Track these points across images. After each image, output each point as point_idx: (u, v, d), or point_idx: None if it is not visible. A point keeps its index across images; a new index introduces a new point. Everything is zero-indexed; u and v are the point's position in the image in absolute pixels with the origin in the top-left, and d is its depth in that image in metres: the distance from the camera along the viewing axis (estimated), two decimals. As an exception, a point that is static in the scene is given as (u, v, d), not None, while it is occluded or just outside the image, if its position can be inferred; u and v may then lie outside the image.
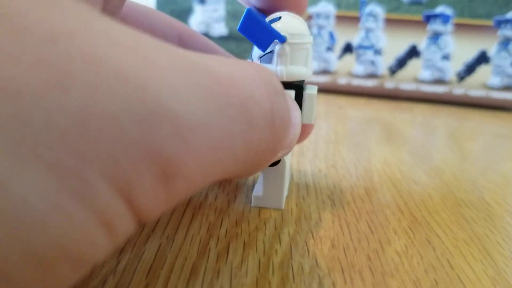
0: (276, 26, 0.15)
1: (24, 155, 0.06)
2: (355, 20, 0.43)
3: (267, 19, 0.16)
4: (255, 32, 0.15)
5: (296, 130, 0.13)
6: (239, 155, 0.10)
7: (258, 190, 0.18)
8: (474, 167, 0.25)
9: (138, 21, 0.18)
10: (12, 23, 0.06)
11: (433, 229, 0.17)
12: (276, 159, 0.13)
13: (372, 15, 0.42)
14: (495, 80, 0.42)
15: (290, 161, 0.18)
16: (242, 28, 0.15)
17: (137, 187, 0.07)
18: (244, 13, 0.14)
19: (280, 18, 0.15)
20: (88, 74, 0.07)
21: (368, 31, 0.43)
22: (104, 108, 0.07)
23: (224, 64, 0.10)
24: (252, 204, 0.17)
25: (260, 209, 0.17)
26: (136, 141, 0.07)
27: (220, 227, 0.16)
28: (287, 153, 0.14)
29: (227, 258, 0.14)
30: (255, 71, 0.11)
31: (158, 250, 0.14)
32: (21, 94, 0.06)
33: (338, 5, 0.43)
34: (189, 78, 0.08)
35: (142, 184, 0.07)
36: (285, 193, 0.18)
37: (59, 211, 0.06)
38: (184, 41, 0.19)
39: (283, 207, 0.17)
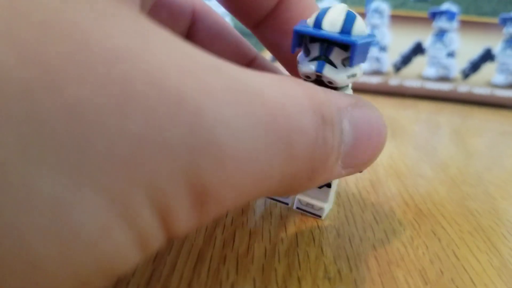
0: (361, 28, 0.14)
1: (82, 178, 0.06)
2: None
3: (332, 17, 0.13)
4: (365, 53, 0.13)
5: (357, 153, 0.12)
6: (273, 184, 0.09)
7: (321, 200, 0.16)
8: (479, 163, 0.25)
9: None
10: (75, 40, 0.06)
11: (439, 221, 0.17)
12: (314, 185, 0.12)
13: (378, 11, 0.42)
14: (500, 78, 0.42)
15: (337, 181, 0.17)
16: (358, 60, 0.13)
17: (174, 210, 0.07)
18: (355, 48, 0.13)
19: (354, 14, 0.14)
20: (148, 99, 0.07)
21: (373, 27, 0.43)
22: (160, 135, 0.07)
23: (275, 87, 0.10)
24: (322, 217, 0.16)
25: (265, 199, 0.17)
26: (182, 168, 0.07)
27: (226, 215, 0.16)
28: (352, 173, 0.13)
29: (233, 245, 0.14)
30: (305, 96, 0.10)
31: (164, 236, 0.14)
32: (84, 117, 0.06)
33: (344, 2, 0.43)
34: (240, 105, 0.08)
35: (179, 208, 0.08)
36: (330, 206, 0.17)
37: (106, 233, 0.07)
38: (198, 17, 0.18)
39: (323, 217, 0.17)
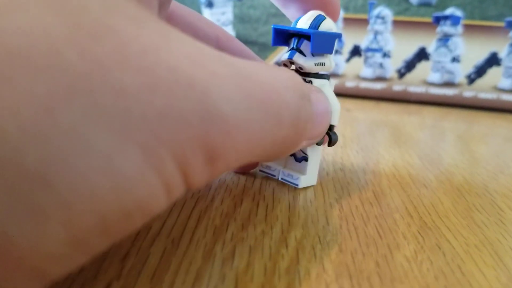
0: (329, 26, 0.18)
1: (126, 137, 0.08)
2: (363, 22, 0.43)
3: (305, 19, 0.18)
4: (324, 43, 0.18)
5: (316, 126, 0.16)
6: (267, 146, 0.12)
7: (300, 172, 0.20)
8: (486, 171, 0.24)
9: (184, 21, 0.20)
10: (115, 38, 0.09)
11: (443, 234, 0.16)
12: (297, 149, 0.16)
13: (381, 17, 0.42)
14: (506, 82, 0.41)
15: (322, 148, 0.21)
16: (316, 48, 0.17)
17: (191, 165, 0.10)
18: (311, 36, 0.17)
19: (324, 17, 0.18)
20: (169, 82, 0.09)
21: (376, 33, 0.43)
22: (178, 108, 0.09)
23: (265, 71, 0.12)
24: (299, 186, 0.20)
25: (266, 212, 0.17)
26: (196, 133, 0.09)
27: (226, 231, 0.16)
28: (311, 144, 0.18)
29: (232, 263, 0.14)
30: (288, 77, 0.13)
31: (163, 254, 0.14)
32: (127, 93, 0.08)
33: (346, 8, 0.43)
34: (238, 84, 0.11)
35: (195, 163, 0.10)
36: (312, 181, 0.21)
37: (143, 178, 0.09)
38: (222, 44, 0.21)
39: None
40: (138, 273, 0.13)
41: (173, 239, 0.15)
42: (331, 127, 0.19)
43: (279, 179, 0.20)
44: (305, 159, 0.19)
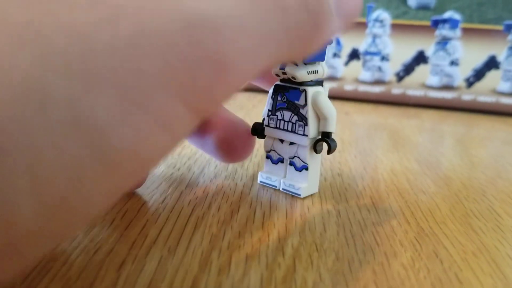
0: None
1: (91, 78, 0.07)
2: (362, 26, 0.43)
3: None
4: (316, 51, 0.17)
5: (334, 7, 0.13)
6: (282, 40, 0.11)
7: (302, 182, 0.20)
8: (484, 176, 0.24)
9: None
10: (111, 5, 0.08)
11: (441, 241, 0.16)
12: (323, 37, 0.13)
13: (379, 20, 0.42)
14: (505, 86, 0.41)
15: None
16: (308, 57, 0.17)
17: (191, 88, 0.09)
18: None
19: None
20: (134, 5, 0.08)
21: (375, 37, 0.43)
22: (151, 28, 0.08)
23: None
24: (302, 195, 0.19)
25: (264, 219, 0.17)
26: (185, 49, 0.08)
27: (223, 238, 0.16)
28: (350, 20, 0.14)
29: (229, 272, 0.14)
30: None
31: (159, 263, 0.14)
32: (80, 32, 0.08)
33: (345, 11, 0.43)
34: None
35: (195, 84, 0.09)
36: (314, 189, 0.20)
37: (122, 118, 0.08)
38: None
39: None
40: (134, 282, 0.13)
41: (170, 247, 0.15)
42: (328, 134, 0.19)
43: (281, 189, 0.20)
44: (305, 168, 0.19)
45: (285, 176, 0.20)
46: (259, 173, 0.21)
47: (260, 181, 0.21)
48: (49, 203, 0.08)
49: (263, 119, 0.20)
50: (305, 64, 0.18)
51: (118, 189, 0.09)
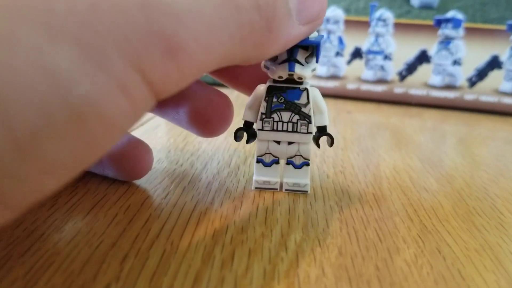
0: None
1: (54, 32, 0.08)
2: (365, 25, 0.43)
3: None
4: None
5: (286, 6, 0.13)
6: (234, 34, 0.11)
7: (303, 178, 0.20)
8: (486, 174, 0.24)
9: None
10: None
11: (444, 238, 0.16)
12: (279, 38, 0.13)
13: (382, 19, 0.42)
14: (507, 86, 0.41)
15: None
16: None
17: (146, 60, 0.09)
18: (318, 46, 0.16)
19: None
20: None
21: (377, 36, 0.43)
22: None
23: None
24: (309, 191, 0.20)
25: (266, 215, 0.17)
26: (141, 23, 0.09)
27: (226, 233, 0.16)
28: (313, 28, 0.15)
29: (231, 266, 0.14)
30: None
31: (162, 256, 0.14)
32: None
33: (348, 10, 0.43)
34: None
35: (150, 58, 0.09)
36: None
37: (84, 74, 0.08)
38: None
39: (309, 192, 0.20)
40: (137, 275, 0.13)
41: (173, 241, 0.15)
42: (324, 128, 0.19)
43: (284, 190, 0.19)
44: (306, 164, 0.19)
45: (282, 177, 0.20)
46: (254, 179, 0.20)
47: (257, 188, 0.20)
48: (20, 139, 0.08)
49: (247, 123, 0.19)
50: (307, 62, 0.17)
51: (88, 150, 0.09)
